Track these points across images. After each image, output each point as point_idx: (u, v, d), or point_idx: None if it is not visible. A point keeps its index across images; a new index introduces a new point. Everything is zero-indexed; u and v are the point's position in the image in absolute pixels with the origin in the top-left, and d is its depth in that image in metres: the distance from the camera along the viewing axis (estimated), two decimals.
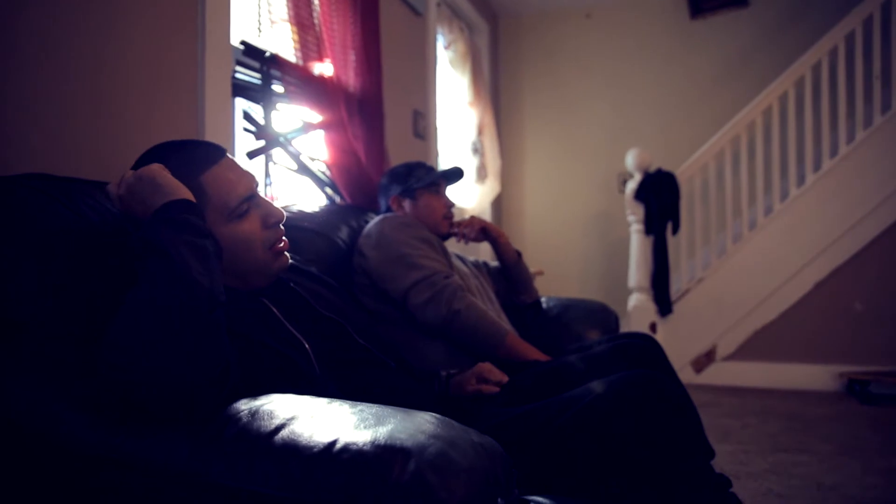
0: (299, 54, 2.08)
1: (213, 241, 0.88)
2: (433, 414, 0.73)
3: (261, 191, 1.13)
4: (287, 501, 0.63)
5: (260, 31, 2.04)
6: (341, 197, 2.29)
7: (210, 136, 1.72)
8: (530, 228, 4.51)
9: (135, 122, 1.52)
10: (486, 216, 4.16)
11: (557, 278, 4.25)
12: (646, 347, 1.45)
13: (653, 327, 3.53)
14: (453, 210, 1.98)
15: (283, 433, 0.68)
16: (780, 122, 3.62)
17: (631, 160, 3.53)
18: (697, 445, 1.00)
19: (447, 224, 1.93)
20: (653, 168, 3.54)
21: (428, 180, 1.88)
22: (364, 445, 0.63)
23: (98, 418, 0.77)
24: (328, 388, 1.04)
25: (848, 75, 3.50)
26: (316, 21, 2.13)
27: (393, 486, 0.59)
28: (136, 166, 1.03)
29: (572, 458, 0.97)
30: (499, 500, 0.64)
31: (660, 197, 3.45)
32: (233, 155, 1.85)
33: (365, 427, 0.67)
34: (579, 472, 0.97)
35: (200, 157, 1.04)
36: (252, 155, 1.95)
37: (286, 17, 2.05)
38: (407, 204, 1.89)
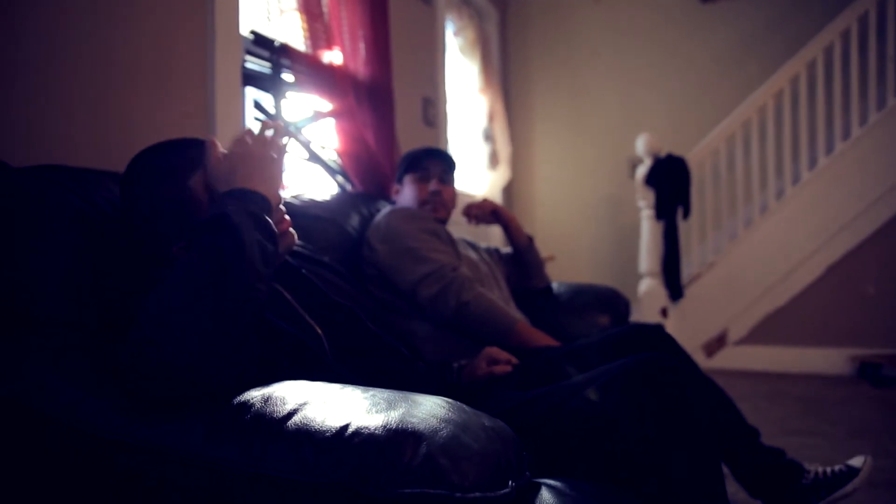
0: (308, 43, 2.08)
1: (276, 247, 0.88)
2: (445, 399, 0.73)
3: None
4: (300, 485, 0.64)
5: (269, 20, 2.04)
6: (352, 185, 2.30)
7: (221, 126, 1.73)
8: (541, 214, 4.51)
9: (145, 113, 1.53)
10: (497, 202, 4.16)
11: (569, 263, 4.25)
12: (657, 334, 1.46)
13: (664, 312, 3.53)
14: (467, 203, 1.97)
15: (296, 418, 0.69)
16: (792, 104, 3.59)
17: (641, 145, 3.51)
18: (710, 429, 1.00)
19: (429, 209, 1.86)
20: (663, 153, 3.52)
21: (408, 161, 1.88)
22: (376, 429, 0.64)
23: (115, 404, 0.78)
24: (341, 373, 1.05)
25: (861, 57, 3.45)
26: (325, 10, 2.13)
27: (404, 470, 0.60)
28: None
29: (583, 442, 0.98)
30: (510, 482, 0.64)
31: (670, 182, 3.44)
32: None
33: (377, 411, 0.67)
34: (590, 456, 0.97)
35: (196, 155, 1.02)
36: None
37: (295, 6, 2.06)
38: (396, 189, 1.92)
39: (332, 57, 2.17)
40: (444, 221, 1.91)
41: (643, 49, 4.20)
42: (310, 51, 2.09)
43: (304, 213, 1.80)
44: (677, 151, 3.61)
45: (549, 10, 4.44)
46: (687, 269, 3.77)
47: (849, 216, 3.36)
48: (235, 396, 0.76)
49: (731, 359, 3.59)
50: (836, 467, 1.46)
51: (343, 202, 1.96)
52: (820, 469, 1.45)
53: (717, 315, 3.61)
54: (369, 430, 0.64)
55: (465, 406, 0.73)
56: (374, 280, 1.77)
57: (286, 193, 1.97)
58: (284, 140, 1.02)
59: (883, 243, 3.34)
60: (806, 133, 3.48)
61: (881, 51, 3.41)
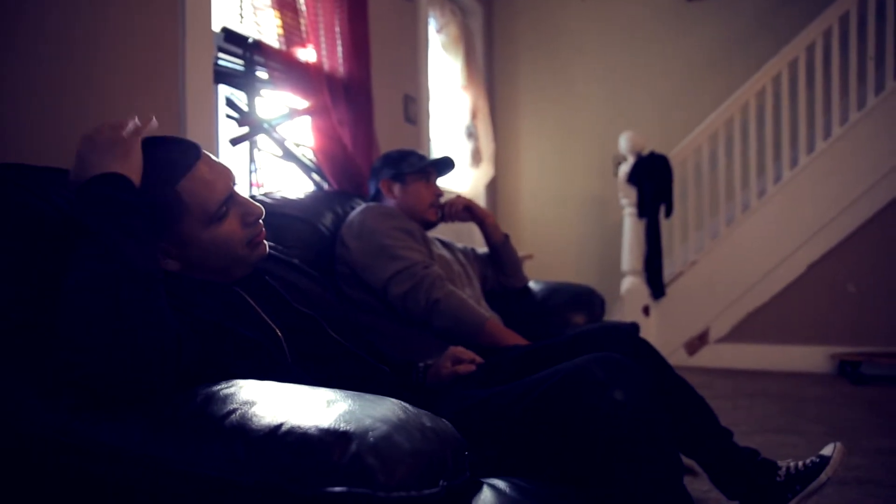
0: (283, 40, 2.08)
1: (142, 217, 0.85)
2: (392, 399, 0.73)
3: (239, 182, 1.11)
4: (231, 484, 0.64)
5: (242, 17, 2.04)
6: (328, 183, 2.30)
7: (192, 124, 1.72)
8: (525, 212, 4.51)
9: (116, 111, 1.53)
10: (481, 200, 4.16)
11: (552, 261, 4.25)
12: (625, 333, 1.45)
13: (646, 310, 3.54)
14: (441, 199, 1.99)
15: (234, 416, 0.69)
16: (774, 103, 3.60)
17: (624, 143, 3.51)
18: (663, 430, 1.00)
19: (433, 212, 1.94)
20: (646, 151, 3.53)
21: (419, 166, 1.90)
22: (309, 429, 0.64)
23: (58, 403, 0.78)
24: (300, 376, 1.05)
25: (842, 56, 3.46)
26: (301, 7, 2.13)
27: (332, 469, 0.60)
28: None
29: (535, 440, 0.98)
30: (441, 482, 0.64)
31: (653, 180, 3.45)
32: (216, 142, 1.87)
33: (315, 411, 0.68)
34: (542, 454, 0.97)
35: (175, 162, 1.00)
36: (235, 142, 1.96)
37: (269, 2, 2.05)
38: (396, 188, 1.90)
39: (307, 54, 2.17)
40: (435, 224, 1.96)
41: (629, 46, 4.21)
42: (284, 48, 2.08)
43: (277, 212, 1.79)
44: (665, 149, 3.62)
45: (536, 7, 4.43)
46: (669, 268, 3.79)
47: (830, 214, 3.38)
48: (181, 393, 0.76)
49: (713, 357, 3.60)
50: (808, 460, 1.45)
51: (317, 201, 1.96)
52: (792, 464, 1.45)
53: (699, 313, 3.62)
54: (302, 429, 0.65)
55: (408, 406, 0.73)
56: (347, 278, 1.77)
57: (258, 192, 1.96)
58: (134, 122, 0.95)
59: (864, 241, 3.36)
60: (788, 132, 3.49)
61: (862, 50, 3.43)
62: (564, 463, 0.96)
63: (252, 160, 2.08)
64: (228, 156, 2.02)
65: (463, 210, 2.06)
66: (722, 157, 3.62)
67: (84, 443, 0.74)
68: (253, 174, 2.08)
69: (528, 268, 3.98)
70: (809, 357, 3.41)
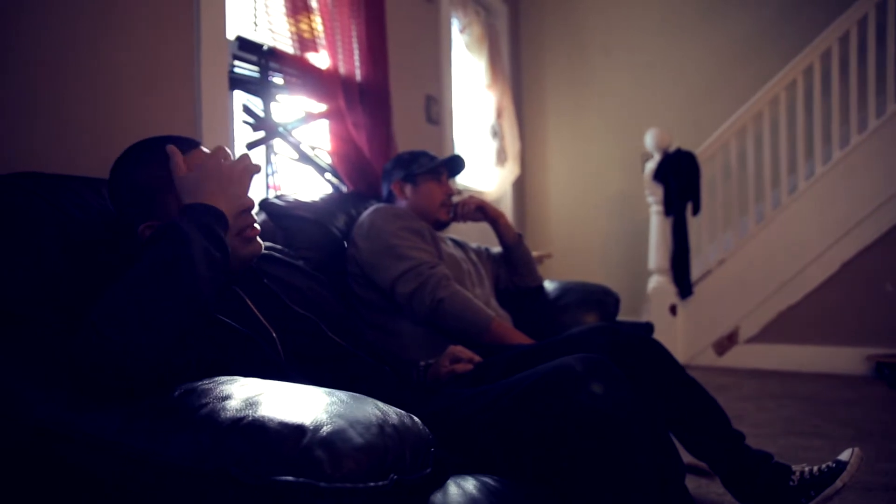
0: (297, 46, 2.12)
1: (226, 256, 0.93)
2: (368, 398, 0.76)
3: (257, 185, 1.15)
4: (193, 472, 0.67)
5: (256, 25, 2.09)
6: (345, 185, 2.34)
7: (207, 129, 1.78)
8: (552, 210, 4.49)
9: (132, 118, 1.58)
10: (507, 199, 4.16)
11: (580, 260, 4.23)
12: (614, 331, 1.43)
13: (673, 309, 3.49)
14: (454, 198, 2.01)
15: (205, 409, 0.72)
16: (806, 97, 3.50)
17: (650, 140, 3.47)
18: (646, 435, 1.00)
19: (445, 212, 1.96)
20: (672, 148, 3.48)
21: (430, 166, 1.93)
22: (268, 421, 0.67)
23: (52, 394, 0.82)
24: (293, 376, 1.08)
25: (878, 46, 3.34)
26: (316, 13, 2.17)
27: (281, 460, 0.63)
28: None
29: (517, 437, 0.99)
30: (392, 476, 0.66)
31: (679, 177, 3.39)
32: (232, 147, 1.92)
33: (281, 405, 0.71)
34: (523, 452, 0.98)
35: (183, 149, 1.06)
36: (251, 146, 2.01)
37: (283, 9, 2.10)
38: (408, 189, 1.94)
39: (322, 59, 2.21)
40: (447, 224, 1.98)
41: (655, 42, 4.15)
42: (299, 53, 2.13)
43: (288, 214, 1.84)
44: (692, 146, 3.56)
45: (562, 5, 4.41)
46: (697, 267, 3.72)
47: (865, 211, 3.27)
48: (166, 388, 0.80)
49: (743, 357, 3.53)
50: (824, 465, 1.42)
51: (331, 203, 1.99)
52: (807, 469, 1.42)
53: (728, 312, 3.55)
54: (262, 421, 0.68)
55: (380, 404, 0.76)
56: (357, 278, 1.80)
57: (273, 194, 2.02)
58: (254, 162, 1.06)
59: None
60: (820, 126, 3.39)
61: None
62: (544, 460, 0.97)
63: (269, 163, 2.13)
64: None
65: (475, 210, 2.07)
66: (751, 154, 3.54)
67: (71, 432, 0.77)
68: (270, 177, 2.13)
69: (551, 266, 3.99)
70: (844, 358, 3.30)
